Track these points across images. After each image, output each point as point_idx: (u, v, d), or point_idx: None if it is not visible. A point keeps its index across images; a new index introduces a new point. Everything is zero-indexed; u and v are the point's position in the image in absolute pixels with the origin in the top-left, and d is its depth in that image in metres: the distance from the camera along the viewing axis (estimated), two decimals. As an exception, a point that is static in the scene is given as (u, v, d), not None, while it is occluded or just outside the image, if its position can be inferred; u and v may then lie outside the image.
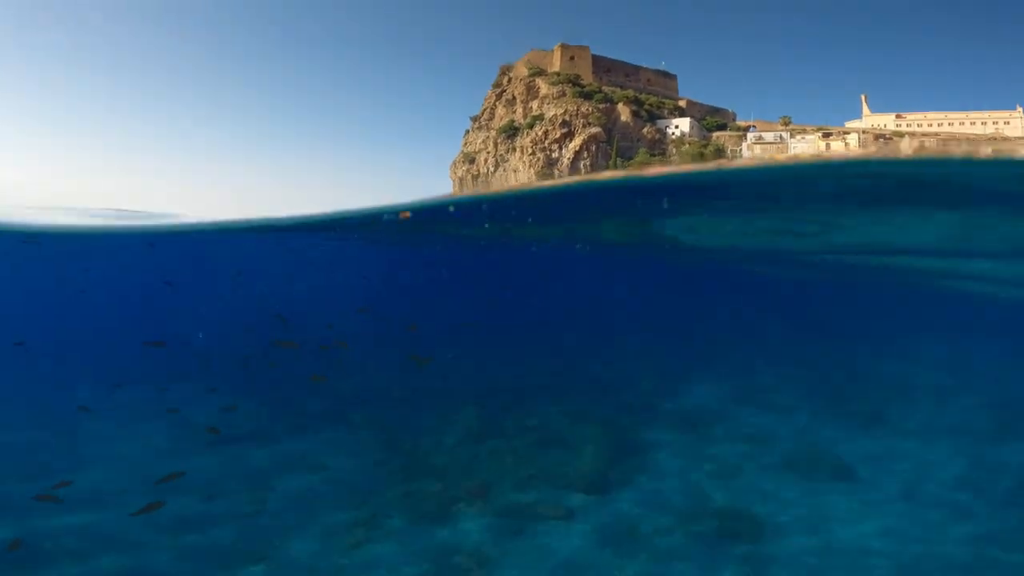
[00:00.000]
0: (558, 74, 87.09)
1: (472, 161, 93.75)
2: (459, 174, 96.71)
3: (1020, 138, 73.30)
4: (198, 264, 25.96)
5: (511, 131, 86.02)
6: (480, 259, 26.73)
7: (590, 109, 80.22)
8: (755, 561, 8.09)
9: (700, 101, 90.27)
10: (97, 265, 23.86)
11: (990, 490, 9.99)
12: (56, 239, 17.65)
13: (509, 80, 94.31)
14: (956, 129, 77.94)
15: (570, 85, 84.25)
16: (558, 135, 79.39)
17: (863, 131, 76.47)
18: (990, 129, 77.03)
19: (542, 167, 78.94)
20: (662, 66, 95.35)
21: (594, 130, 78.69)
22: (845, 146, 68.92)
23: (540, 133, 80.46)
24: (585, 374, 17.58)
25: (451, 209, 14.62)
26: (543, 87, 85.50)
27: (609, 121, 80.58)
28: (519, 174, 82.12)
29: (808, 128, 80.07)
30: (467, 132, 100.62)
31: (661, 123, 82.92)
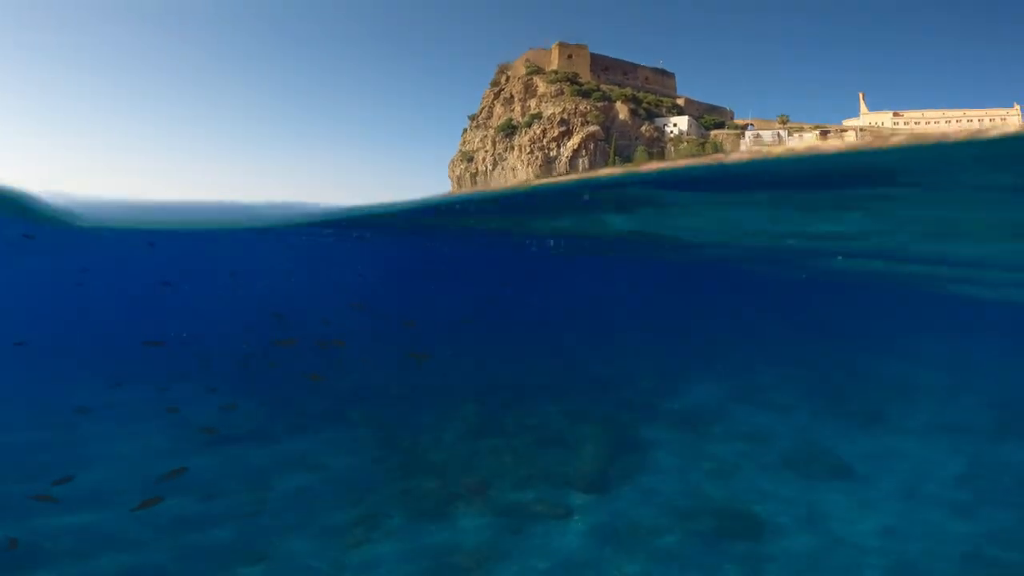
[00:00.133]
0: (556, 72, 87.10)
1: (470, 160, 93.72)
2: (457, 173, 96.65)
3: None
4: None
5: (509, 130, 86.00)
6: (480, 256, 26.66)
7: (588, 107, 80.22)
8: (754, 560, 8.11)
9: (698, 100, 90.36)
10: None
11: (988, 489, 10.02)
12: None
13: (507, 79, 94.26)
14: (953, 127, 78.09)
15: (568, 84, 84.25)
16: (556, 134, 79.37)
17: (861, 129, 76.53)
18: (987, 126, 77.16)
19: (540, 166, 78.94)
20: (660, 64, 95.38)
21: (592, 128, 78.69)
22: (842, 143, 68.97)
23: (538, 132, 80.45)
24: (585, 373, 17.60)
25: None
26: (541, 86, 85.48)
27: (607, 119, 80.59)
28: (517, 172, 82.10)
29: (805, 126, 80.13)
30: (465, 131, 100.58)
31: (659, 121, 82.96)
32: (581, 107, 78.07)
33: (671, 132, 79.71)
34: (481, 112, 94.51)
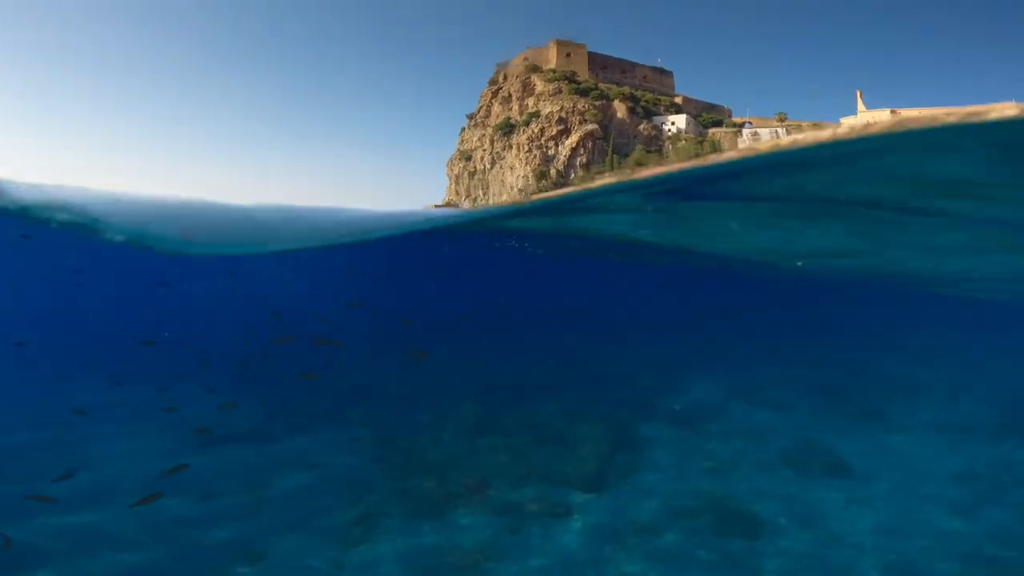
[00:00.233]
0: (554, 71, 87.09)
1: (468, 159, 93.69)
2: (455, 171, 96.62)
3: (1014, 134, 73.52)
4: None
5: (507, 129, 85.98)
6: (485, 259, 26.47)
7: (586, 106, 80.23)
8: (752, 558, 8.12)
9: (696, 98, 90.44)
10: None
11: (986, 488, 10.05)
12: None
13: (505, 78, 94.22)
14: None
15: (566, 82, 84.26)
16: (554, 132, 79.38)
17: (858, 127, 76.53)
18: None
19: (538, 164, 78.93)
20: (658, 63, 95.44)
21: (590, 127, 78.70)
22: (841, 143, 69.02)
23: (536, 130, 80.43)
24: (584, 371, 17.60)
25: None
26: (539, 84, 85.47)
27: (605, 118, 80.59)
28: (515, 171, 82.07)
29: (803, 124, 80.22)
30: (463, 130, 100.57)
31: (657, 120, 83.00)
32: (579, 106, 78.08)
33: (669, 130, 79.75)
34: (479, 111, 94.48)
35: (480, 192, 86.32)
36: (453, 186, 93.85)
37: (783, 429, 12.50)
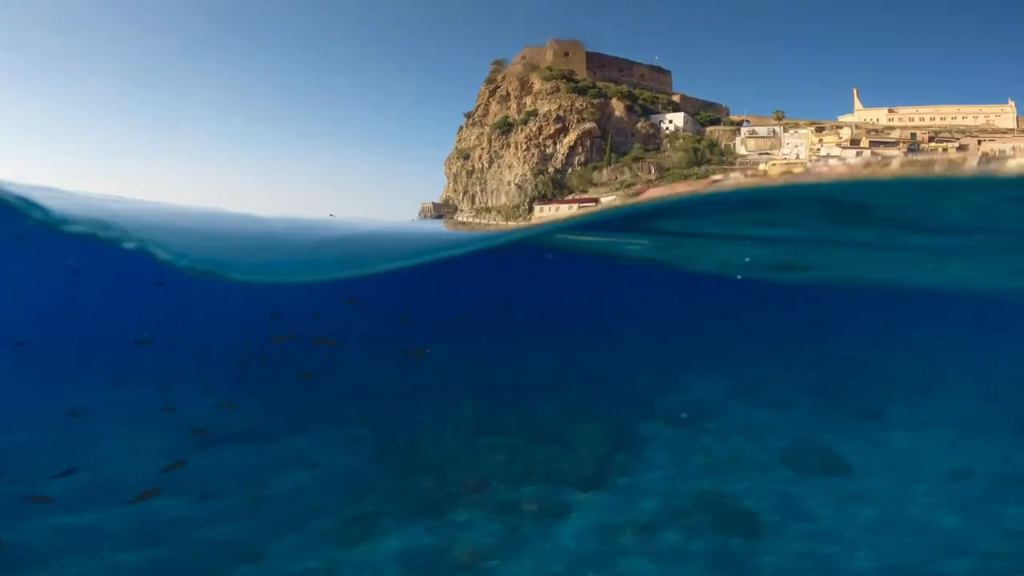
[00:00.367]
0: (551, 70, 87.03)
1: (467, 157, 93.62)
2: (454, 170, 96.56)
3: (1011, 130, 73.68)
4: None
5: (505, 127, 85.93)
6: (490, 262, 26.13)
7: (584, 104, 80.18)
8: (751, 556, 8.14)
9: (694, 96, 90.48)
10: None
11: (985, 485, 10.08)
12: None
13: (503, 76, 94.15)
14: (948, 123, 78.31)
15: (564, 81, 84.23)
16: (552, 130, 79.35)
17: (855, 125, 76.68)
18: (981, 122, 77.43)
19: (536, 163, 78.90)
20: (656, 61, 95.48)
21: (588, 125, 78.67)
22: (838, 139, 69.11)
23: (534, 129, 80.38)
24: (583, 370, 17.60)
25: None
26: (537, 83, 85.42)
27: (603, 116, 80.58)
28: (513, 169, 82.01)
29: (801, 122, 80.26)
30: (461, 128, 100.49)
31: (655, 118, 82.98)
32: (577, 104, 78.02)
33: (667, 129, 79.75)
34: (477, 110, 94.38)
35: (478, 190, 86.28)
36: (451, 184, 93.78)
37: (782, 428, 12.52)
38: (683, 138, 77.84)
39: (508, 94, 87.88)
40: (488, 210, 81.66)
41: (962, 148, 65.93)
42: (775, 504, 9.45)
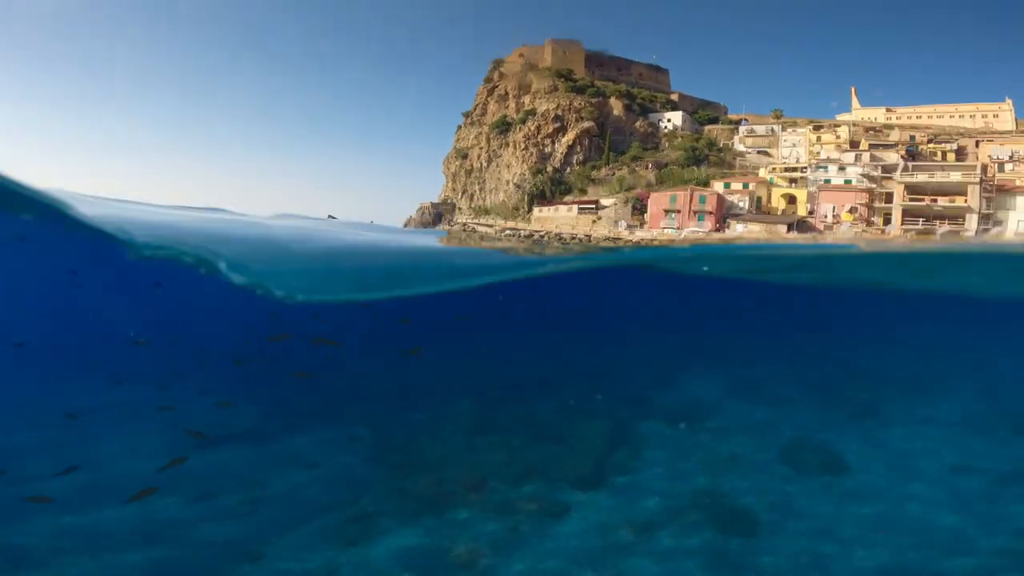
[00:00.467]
0: (550, 69, 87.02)
1: (465, 157, 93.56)
2: (452, 169, 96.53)
3: (1009, 131, 73.81)
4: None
5: (503, 126, 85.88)
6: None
7: (582, 103, 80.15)
8: (751, 554, 8.12)
9: (691, 95, 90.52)
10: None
11: (985, 483, 10.07)
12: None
13: (501, 75, 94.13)
14: (945, 122, 78.42)
15: (562, 80, 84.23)
16: (551, 130, 79.33)
17: (853, 124, 76.76)
18: (979, 123, 77.56)
19: (535, 162, 78.85)
20: (654, 59, 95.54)
21: (587, 124, 78.65)
22: (836, 139, 69.17)
23: (532, 128, 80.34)
24: (581, 368, 17.57)
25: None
26: (535, 82, 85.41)
27: (602, 115, 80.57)
28: (512, 169, 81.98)
29: (799, 121, 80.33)
30: (459, 128, 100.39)
31: (653, 117, 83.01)
32: (575, 103, 78.02)
33: (665, 127, 79.80)
34: (475, 109, 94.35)
35: (477, 189, 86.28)
36: (450, 184, 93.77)
37: (782, 426, 12.50)
38: (681, 137, 77.88)
39: (506, 93, 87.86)
40: (487, 210, 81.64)
41: (960, 151, 66.05)
42: (774, 503, 9.44)
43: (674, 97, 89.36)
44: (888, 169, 60.40)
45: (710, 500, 9.47)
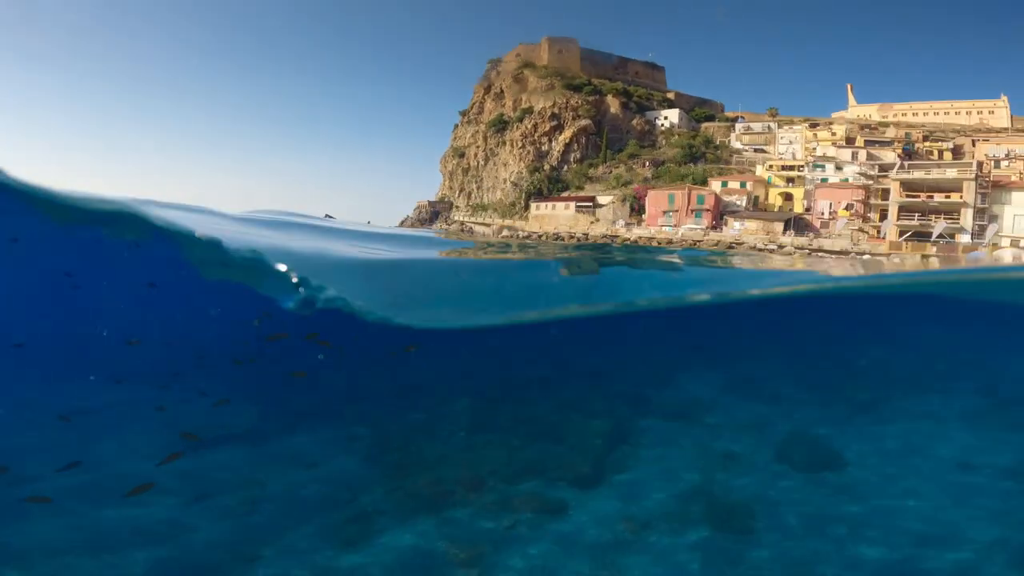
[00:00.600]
0: (546, 67, 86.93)
1: (462, 155, 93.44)
2: (449, 168, 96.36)
3: (1004, 128, 74.02)
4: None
5: (500, 125, 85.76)
6: None
7: (579, 102, 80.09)
8: (751, 553, 8.13)
9: (688, 93, 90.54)
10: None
11: (984, 480, 10.09)
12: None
13: (497, 74, 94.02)
14: (941, 119, 78.59)
15: (558, 78, 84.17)
16: (548, 128, 79.25)
17: (849, 122, 76.85)
18: (975, 119, 77.75)
19: (532, 160, 78.74)
20: (650, 58, 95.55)
21: (584, 122, 78.59)
22: (832, 137, 69.32)
23: (529, 126, 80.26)
24: (580, 366, 17.57)
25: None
26: (532, 80, 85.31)
27: (599, 113, 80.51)
28: (509, 167, 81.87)
29: (795, 119, 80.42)
30: (456, 126, 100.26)
31: (650, 115, 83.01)
32: (572, 101, 78.01)
33: (662, 125, 79.83)
34: (472, 108, 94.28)
35: (474, 187, 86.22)
36: (447, 182, 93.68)
37: (782, 423, 12.51)
38: (678, 134, 77.88)
39: (503, 92, 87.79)
40: (484, 208, 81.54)
41: (957, 149, 66.22)
42: (774, 499, 9.45)
43: (670, 95, 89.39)
44: (885, 168, 60.62)
45: (711, 499, 9.47)
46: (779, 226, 56.32)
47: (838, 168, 61.57)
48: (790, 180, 62.89)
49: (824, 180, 60.19)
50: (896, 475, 10.31)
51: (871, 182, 58.35)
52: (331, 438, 11.90)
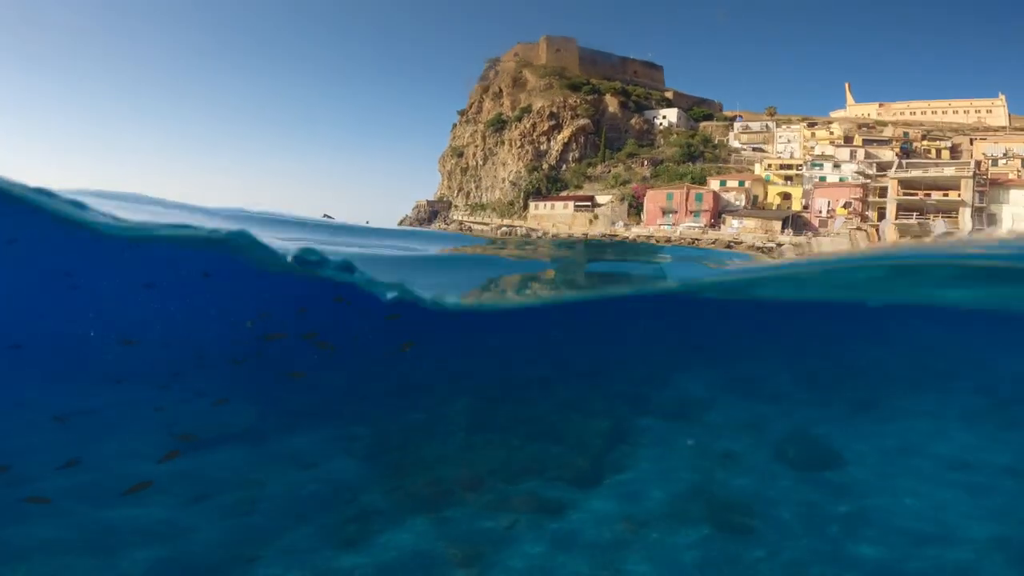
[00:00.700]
0: (545, 67, 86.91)
1: (460, 155, 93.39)
2: (448, 168, 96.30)
3: (1002, 127, 74.13)
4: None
5: (499, 124, 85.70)
6: None
7: (578, 101, 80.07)
8: (750, 552, 8.14)
9: (686, 92, 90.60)
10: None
11: (984, 479, 10.11)
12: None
13: (496, 74, 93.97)
14: (939, 118, 78.69)
15: (557, 77, 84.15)
16: (546, 127, 79.23)
17: (848, 120, 76.94)
18: (973, 118, 77.85)
19: (531, 159, 78.72)
20: (648, 57, 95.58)
21: (582, 122, 78.56)
22: (830, 136, 69.38)
23: (528, 126, 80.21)
24: (579, 365, 17.58)
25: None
26: (530, 80, 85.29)
27: (597, 112, 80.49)
28: (508, 167, 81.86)
29: (793, 118, 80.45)
30: (455, 126, 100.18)
31: (649, 114, 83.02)
32: (570, 100, 78.00)
33: (661, 124, 79.86)
34: (470, 107, 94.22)
35: (473, 187, 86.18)
36: (445, 182, 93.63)
37: (782, 422, 12.52)
38: (677, 133, 77.91)
39: (501, 91, 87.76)
40: (483, 207, 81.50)
41: (955, 148, 66.30)
42: (773, 498, 9.46)
43: (669, 94, 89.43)
44: (883, 167, 60.71)
45: (712, 498, 9.48)
46: (777, 224, 56.37)
47: (836, 167, 61.66)
48: (788, 179, 62.97)
49: (822, 179, 60.30)
50: (895, 474, 10.34)
51: (869, 181, 58.43)
52: (330, 437, 11.90)
